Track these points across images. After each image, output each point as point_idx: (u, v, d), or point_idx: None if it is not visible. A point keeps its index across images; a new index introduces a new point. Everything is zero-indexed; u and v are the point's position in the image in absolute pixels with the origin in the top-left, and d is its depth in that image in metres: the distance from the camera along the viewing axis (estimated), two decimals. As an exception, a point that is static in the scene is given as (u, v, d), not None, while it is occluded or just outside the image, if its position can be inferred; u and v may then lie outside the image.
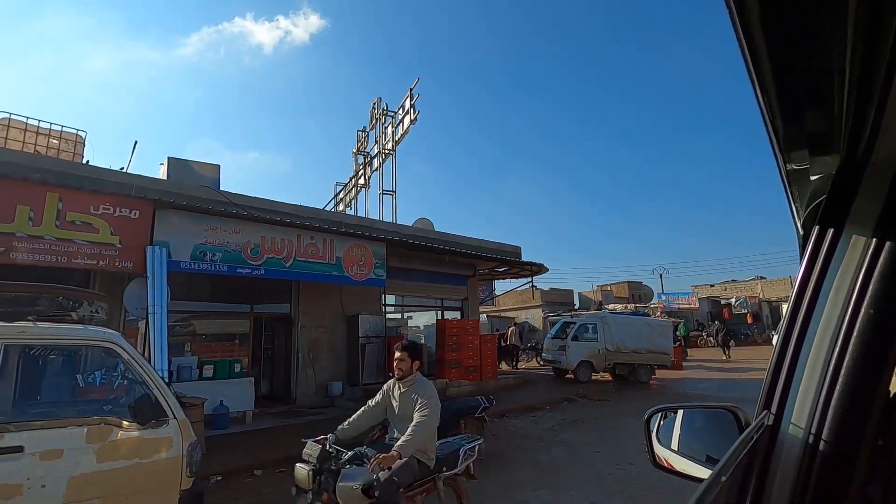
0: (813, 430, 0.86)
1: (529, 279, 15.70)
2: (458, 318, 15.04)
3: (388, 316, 15.49)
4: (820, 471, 0.83)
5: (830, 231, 0.94)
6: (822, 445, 0.84)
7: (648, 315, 20.78)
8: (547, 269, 16.14)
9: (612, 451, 6.60)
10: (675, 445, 1.29)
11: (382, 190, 14.65)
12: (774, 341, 1.09)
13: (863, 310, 0.86)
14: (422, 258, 13.27)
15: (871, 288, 0.86)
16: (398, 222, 14.02)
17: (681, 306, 31.81)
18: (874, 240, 0.88)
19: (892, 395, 0.93)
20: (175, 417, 3.37)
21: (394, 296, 14.44)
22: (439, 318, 14.65)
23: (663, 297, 31.98)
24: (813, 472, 0.84)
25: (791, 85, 0.71)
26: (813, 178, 0.98)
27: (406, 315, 16.53)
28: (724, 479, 0.67)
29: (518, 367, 18.14)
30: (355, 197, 17.17)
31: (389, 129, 14.64)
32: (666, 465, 1.28)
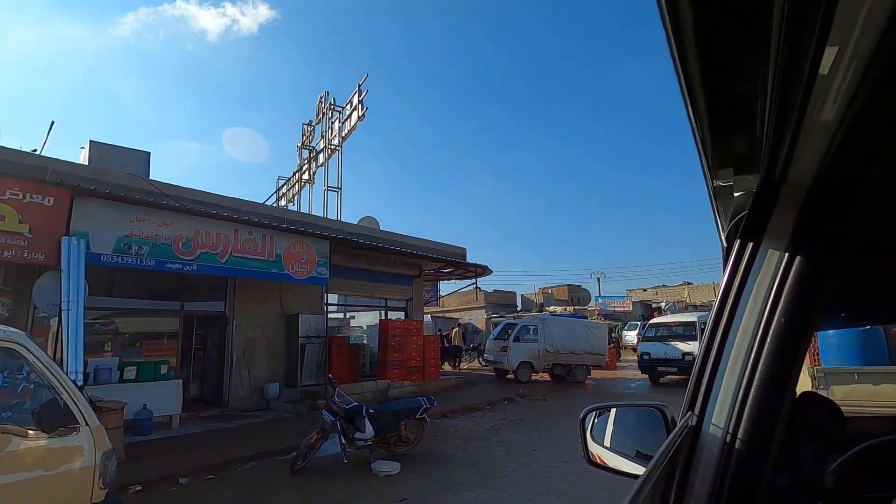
0: (731, 430, 0.91)
1: (473, 280, 15.84)
2: (403, 318, 14.97)
3: (331, 315, 15.17)
4: (736, 466, 0.89)
5: (750, 244, 1.02)
6: (738, 444, 0.90)
7: (586, 318, 21.68)
8: (491, 271, 16.39)
9: (549, 449, 6.78)
10: (607, 442, 1.34)
11: (327, 186, 14.26)
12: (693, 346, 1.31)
13: (776, 318, 0.93)
14: (366, 257, 13.08)
15: (783, 298, 0.93)
16: (343, 220, 13.70)
17: (616, 309, 33.42)
18: (787, 254, 0.95)
19: (797, 395, 1.01)
20: (87, 424, 3.08)
21: (337, 295, 14.13)
22: (383, 318, 14.51)
23: (600, 301, 33.45)
24: (730, 467, 0.89)
25: (720, 109, 0.76)
26: (736, 194, 1.06)
27: (349, 315, 16.25)
28: (655, 476, 0.71)
29: (461, 367, 18.29)
30: (298, 193, 16.62)
31: (336, 125, 14.27)
32: (599, 461, 1.32)
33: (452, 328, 19.17)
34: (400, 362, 11.81)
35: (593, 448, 1.36)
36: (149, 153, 9.66)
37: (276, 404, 10.47)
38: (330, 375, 6.62)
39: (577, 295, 40.39)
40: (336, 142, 14.10)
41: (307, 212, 15.19)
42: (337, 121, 14.17)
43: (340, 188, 14.07)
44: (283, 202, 17.89)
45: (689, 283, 44.30)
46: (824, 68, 0.61)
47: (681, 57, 0.63)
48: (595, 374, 15.58)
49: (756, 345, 0.94)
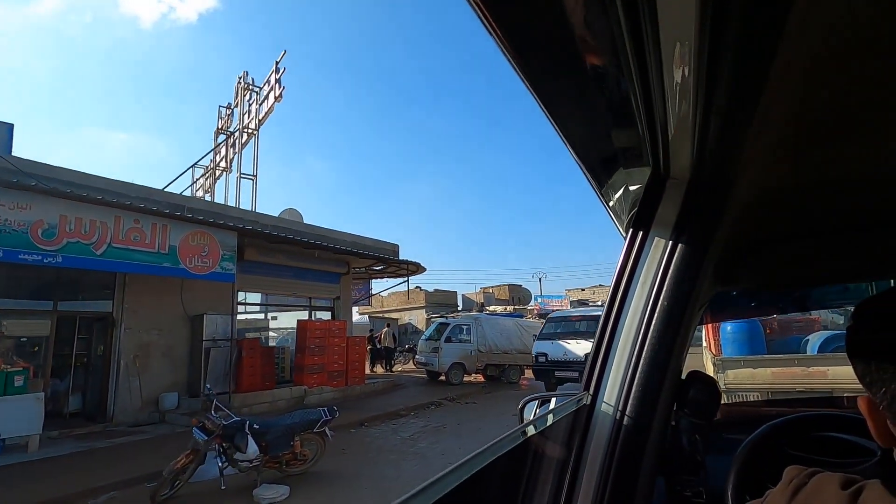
0: (620, 407, 1.01)
1: (406, 279, 15.13)
2: (329, 318, 14.01)
3: (250, 316, 13.92)
4: (624, 440, 0.99)
5: (641, 233, 1.11)
6: (626, 420, 1.00)
7: (523, 317, 21.53)
8: (424, 269, 15.75)
9: (467, 460, 6.17)
10: None
11: (240, 174, 12.99)
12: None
13: (660, 302, 1.03)
14: (288, 252, 12.02)
15: (667, 283, 1.04)
16: (261, 211, 12.53)
17: (554, 308, 33.88)
18: (670, 242, 1.06)
19: (685, 375, 1.18)
20: None
21: (255, 293, 12.95)
22: (309, 318, 13.48)
23: (539, 300, 33.73)
24: (619, 440, 0.99)
25: (595, 107, 0.82)
26: (632, 188, 1.12)
27: (272, 315, 15.08)
28: (530, 430, 0.84)
29: (393, 370, 17.51)
30: (216, 181, 15.15)
31: (254, 107, 13.04)
32: None
33: (382, 328, 18.32)
34: (320, 366, 10.87)
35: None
36: (11, 125, 8.17)
37: (172, 417, 9.24)
38: (207, 385, 5.64)
39: (517, 295, 40.69)
40: (253, 126, 12.87)
41: (223, 202, 13.84)
42: (254, 102, 12.94)
43: (256, 175, 12.85)
44: (200, 193, 16.32)
45: (623, 283, 45.92)
46: (669, 68, 0.66)
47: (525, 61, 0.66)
48: (530, 373, 15.32)
49: (643, 328, 1.04)
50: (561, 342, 11.68)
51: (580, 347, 11.26)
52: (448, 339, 13.21)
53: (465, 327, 13.73)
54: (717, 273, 1.22)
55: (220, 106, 14.58)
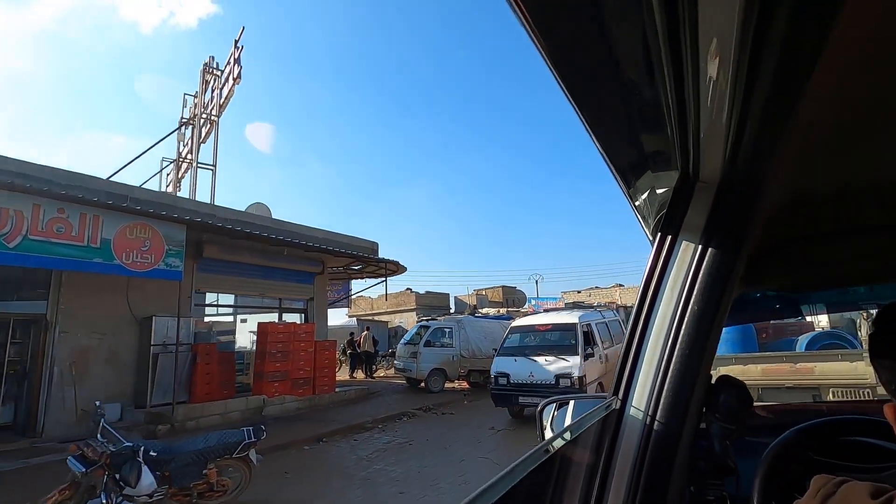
0: (650, 412, 0.99)
1: (384, 279, 14.22)
2: (303, 320, 13.10)
3: (218, 318, 12.99)
4: (654, 445, 0.97)
5: (669, 238, 1.10)
6: (656, 425, 0.98)
7: (513, 319, 20.62)
8: (405, 269, 14.85)
9: (421, 490, 5.24)
10: None
11: (197, 163, 12.03)
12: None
13: (690, 307, 1.01)
14: (254, 250, 11.12)
15: (696, 288, 1.01)
16: (218, 203, 11.58)
17: (549, 311, 33.05)
18: (700, 246, 1.04)
19: (713, 380, 1.14)
20: None
21: (220, 294, 12.03)
22: (279, 320, 12.56)
23: (533, 302, 32.82)
24: (650, 446, 0.97)
25: (626, 111, 0.81)
26: (659, 191, 1.12)
27: (241, 318, 14.17)
28: (560, 441, 0.83)
29: (375, 376, 16.56)
30: (182, 175, 14.21)
31: (216, 93, 12.12)
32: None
33: (362, 332, 17.38)
34: (282, 373, 9.92)
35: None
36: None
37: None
38: (97, 403, 4.72)
39: (512, 297, 39.76)
40: (215, 113, 11.94)
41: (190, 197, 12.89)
42: (217, 87, 12.02)
43: (215, 165, 11.91)
44: (170, 188, 15.39)
45: (620, 285, 44.99)
46: (705, 71, 0.65)
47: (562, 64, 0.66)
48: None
49: (672, 332, 1.02)
50: (527, 359, 8.98)
51: (552, 366, 8.53)
52: (428, 344, 12.28)
53: (446, 330, 12.81)
54: (744, 274, 1.14)
55: (185, 94, 13.65)
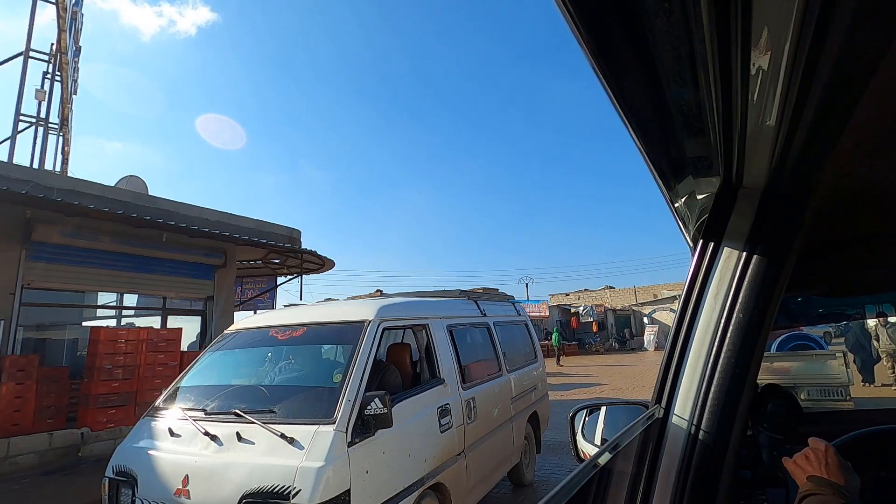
0: (694, 421, 0.98)
1: (297, 275, 11.76)
2: (200, 324, 10.67)
3: (95, 323, 10.53)
4: (700, 455, 0.94)
5: (711, 245, 1.09)
6: (701, 434, 0.96)
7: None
8: (333, 264, 12.41)
9: None
10: (598, 440, 1.41)
11: (44, 122, 9.22)
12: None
13: (735, 315, 0.99)
14: (122, 235, 8.65)
15: (741, 295, 1.00)
16: (64, 172, 9.06)
17: (531, 314, 30.41)
18: (744, 253, 1.02)
19: (759, 389, 1.14)
20: None
21: (70, 291, 9.49)
22: (163, 324, 10.11)
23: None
24: (694, 455, 0.95)
25: (668, 116, 0.77)
26: (700, 197, 1.07)
27: (126, 322, 11.72)
28: (606, 456, 0.82)
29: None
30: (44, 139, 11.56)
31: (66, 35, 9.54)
32: (586, 458, 1.33)
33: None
34: (122, 397, 7.40)
35: (582, 445, 1.44)
36: None
37: None
38: None
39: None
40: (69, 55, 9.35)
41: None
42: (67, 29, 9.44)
43: (66, 124, 9.31)
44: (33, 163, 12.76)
45: (610, 287, 42.59)
46: (755, 70, 0.62)
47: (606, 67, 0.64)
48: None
49: (717, 340, 1.00)
50: (200, 432, 2.88)
51: (243, 463, 2.65)
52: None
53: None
54: (797, 283, 1.18)
55: (52, 43, 11.02)
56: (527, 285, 39.15)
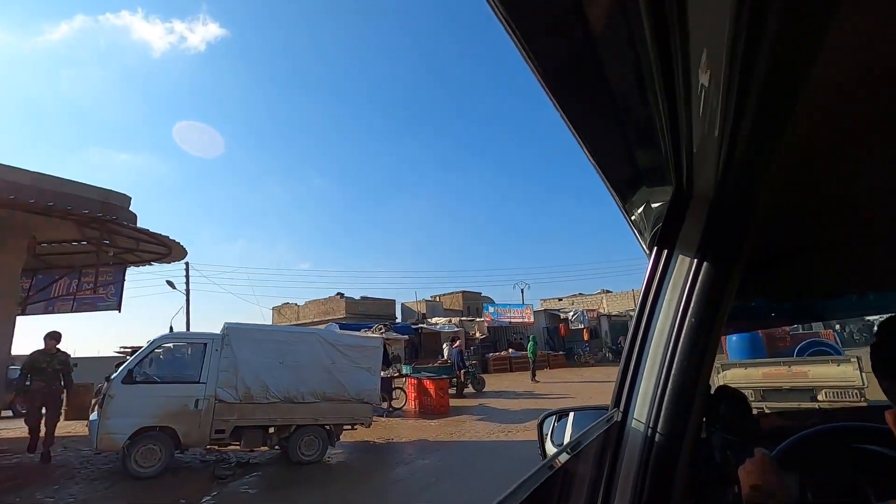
0: (651, 424, 0.99)
1: (122, 264, 8.30)
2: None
3: None
4: (656, 455, 0.96)
5: (665, 252, 1.10)
6: (657, 437, 0.97)
7: (368, 330, 14.67)
8: (185, 252, 8.95)
9: None
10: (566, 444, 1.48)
11: None
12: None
13: (687, 319, 1.01)
14: None
15: (693, 301, 1.01)
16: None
17: (512, 320, 26.67)
18: (696, 260, 1.03)
19: (712, 391, 1.17)
20: None
21: None
22: None
23: (491, 310, 26.58)
24: (651, 456, 0.97)
25: (621, 127, 0.83)
26: (654, 205, 1.14)
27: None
28: (565, 456, 0.84)
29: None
30: None
31: None
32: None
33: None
34: None
35: (550, 451, 1.48)
36: None
37: None
38: None
39: (474, 303, 33.59)
40: None
41: None
42: None
43: None
44: None
45: (607, 292, 38.82)
46: (696, 85, 0.65)
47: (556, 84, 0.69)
48: (361, 434, 8.36)
49: (671, 344, 1.01)
50: None
51: None
52: (131, 380, 6.20)
53: (188, 350, 6.80)
54: (740, 286, 1.18)
55: None
56: (522, 291, 35.31)
